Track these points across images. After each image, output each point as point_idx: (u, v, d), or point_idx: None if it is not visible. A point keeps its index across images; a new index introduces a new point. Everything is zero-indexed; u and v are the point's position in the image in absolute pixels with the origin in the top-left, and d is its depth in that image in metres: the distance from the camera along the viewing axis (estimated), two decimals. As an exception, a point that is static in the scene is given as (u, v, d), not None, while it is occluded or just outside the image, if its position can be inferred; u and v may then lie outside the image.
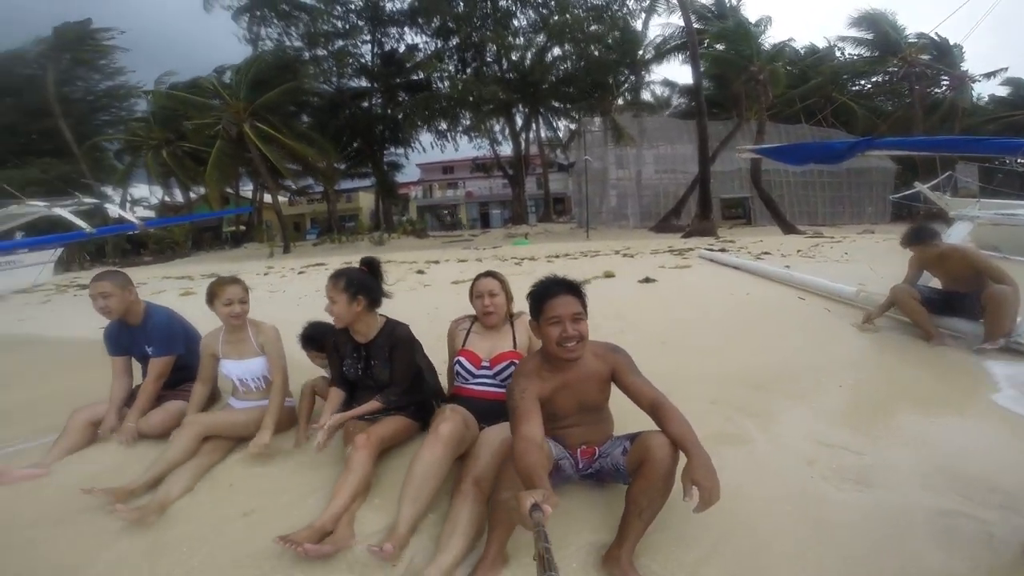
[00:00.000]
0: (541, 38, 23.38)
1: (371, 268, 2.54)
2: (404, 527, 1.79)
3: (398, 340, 2.45)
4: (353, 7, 22.64)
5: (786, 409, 2.48)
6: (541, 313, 1.77)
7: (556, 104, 25.83)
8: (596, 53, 22.87)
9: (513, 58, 23.61)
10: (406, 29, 23.90)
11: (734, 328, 4.01)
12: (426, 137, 25.92)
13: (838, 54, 25.30)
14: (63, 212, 10.60)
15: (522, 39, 23.45)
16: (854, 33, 24.07)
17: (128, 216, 12.47)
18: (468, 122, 24.74)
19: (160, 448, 2.51)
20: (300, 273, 10.75)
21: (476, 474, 1.86)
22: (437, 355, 2.73)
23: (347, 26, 22.60)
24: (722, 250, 9.37)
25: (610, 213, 24.30)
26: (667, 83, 26.47)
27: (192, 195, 24.47)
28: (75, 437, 2.80)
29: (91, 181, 20.49)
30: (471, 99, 21.58)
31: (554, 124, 27.47)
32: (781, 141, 19.77)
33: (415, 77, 23.51)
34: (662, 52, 22.82)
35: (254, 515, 2.08)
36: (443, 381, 2.76)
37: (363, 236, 23.54)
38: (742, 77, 18.08)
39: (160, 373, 2.92)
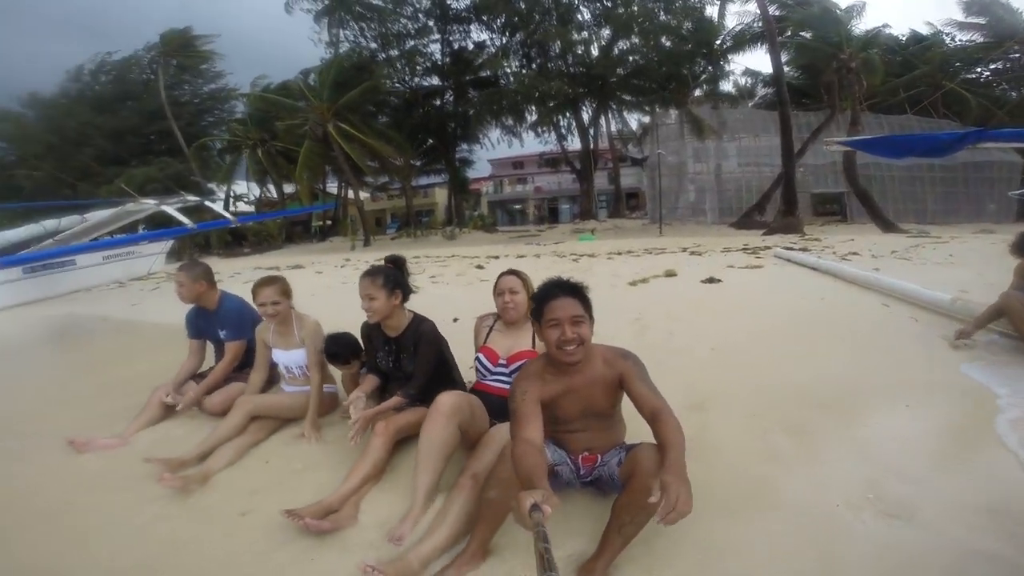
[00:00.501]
0: (606, 32, 22.75)
1: (397, 265, 2.62)
2: (419, 497, 1.91)
3: (422, 336, 2.51)
4: (421, 7, 23.35)
5: (835, 430, 2.20)
6: (542, 315, 1.73)
7: (626, 97, 25.01)
8: (668, 44, 21.85)
9: (578, 52, 23.17)
10: (472, 27, 24.25)
11: (798, 336, 3.64)
12: (495, 133, 26.30)
13: (947, 40, 22.40)
14: (169, 209, 12.01)
15: (586, 33, 22.95)
16: (963, 19, 21.30)
17: (224, 213, 13.83)
18: (534, 117, 24.69)
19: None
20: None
21: (476, 469, 1.88)
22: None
23: (416, 26, 23.31)
24: (803, 249, 8.61)
25: (687, 208, 23.20)
26: (749, 73, 24.75)
27: (285, 191, 26.59)
28: (152, 412, 3.14)
29: (199, 179, 22.96)
30: (536, 95, 21.46)
31: (625, 117, 26.68)
32: (882, 132, 17.81)
33: (484, 74, 23.79)
34: (741, 41, 21.38)
35: (280, 490, 2.22)
36: (472, 376, 2.78)
37: (436, 231, 24.34)
38: (832, 65, 16.84)
39: (233, 356, 3.22)
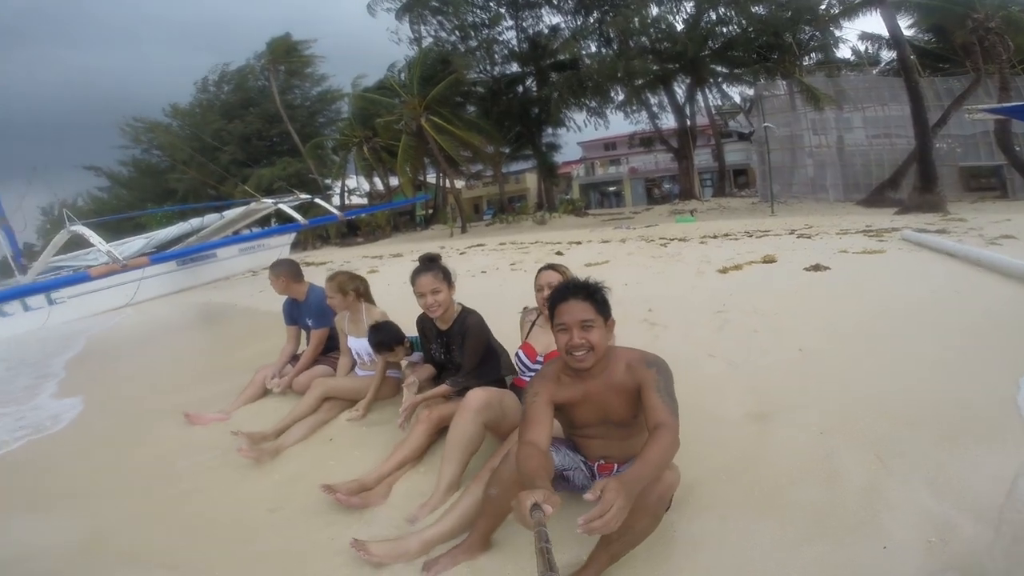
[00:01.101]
0: (689, 5, 20.84)
1: (433, 260, 2.70)
2: (441, 486, 2.01)
3: (468, 328, 2.56)
4: None
5: (917, 455, 1.80)
6: (553, 319, 1.67)
7: (723, 70, 22.85)
8: (761, 12, 19.51)
9: (660, 28, 21.54)
10: (544, 10, 23.56)
11: (911, 338, 3.06)
12: (580, 116, 25.54)
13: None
14: (285, 207, 13.47)
15: (662, 8, 21.20)
16: None
17: (331, 209, 15.20)
18: (621, 98, 23.53)
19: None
20: (461, 254, 11.74)
21: (495, 463, 1.88)
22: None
23: (489, 15, 23.16)
24: (940, 231, 7.28)
25: (805, 185, 20.77)
26: (867, 37, 21.20)
27: (391, 184, 28.43)
28: (253, 390, 3.60)
29: (316, 176, 25.42)
30: (619, 74, 20.37)
31: (725, 91, 24.42)
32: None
33: (562, 58, 23.14)
34: (850, 6, 18.41)
35: (335, 466, 2.43)
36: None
37: (527, 216, 24.53)
38: (967, 26, 14.44)
39: (317, 343, 3.60)
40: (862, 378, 2.54)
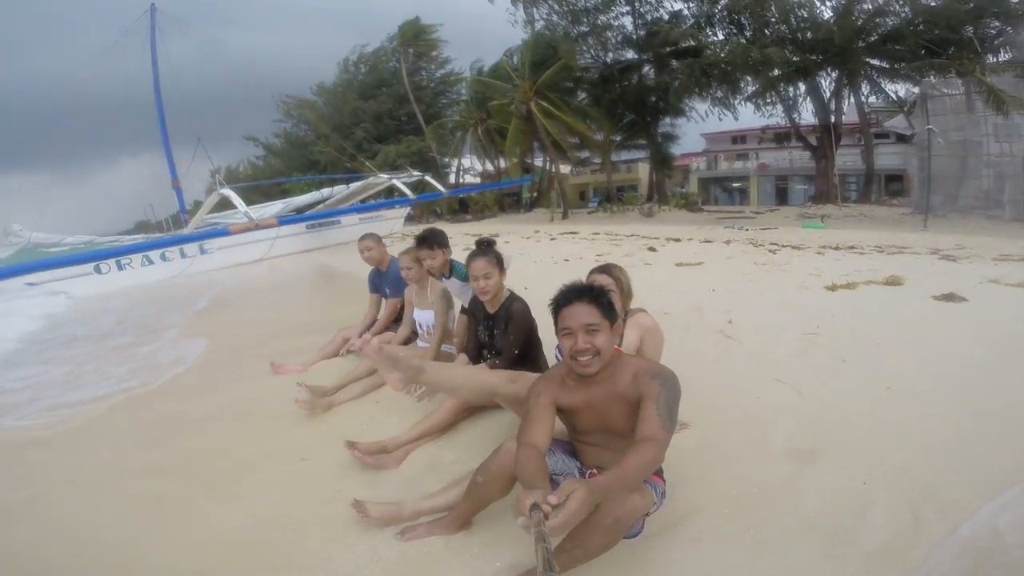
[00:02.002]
0: None
1: (490, 244, 2.76)
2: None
3: (513, 314, 2.61)
4: None
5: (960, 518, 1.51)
6: (556, 323, 1.64)
7: (880, 64, 19.57)
8: (933, 3, 16.17)
9: (801, 16, 18.87)
10: None
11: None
12: (703, 106, 23.56)
13: None
14: (398, 183, 14.50)
15: None
16: None
17: (438, 186, 16.05)
18: (752, 88, 21.26)
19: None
20: (552, 240, 11.75)
21: None
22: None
23: (601, 1, 22.00)
24: None
25: (976, 198, 17.29)
26: None
27: (502, 166, 29.15)
28: (332, 348, 4.02)
29: (435, 154, 26.83)
30: (751, 63, 18.34)
31: (882, 87, 20.91)
32: None
33: (685, 45, 21.40)
34: None
35: (374, 425, 2.65)
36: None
37: (634, 207, 23.66)
38: None
39: (391, 311, 3.94)
40: (948, 432, 2.14)
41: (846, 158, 26.75)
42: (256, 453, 2.52)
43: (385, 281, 4.05)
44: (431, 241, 3.15)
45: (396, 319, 3.89)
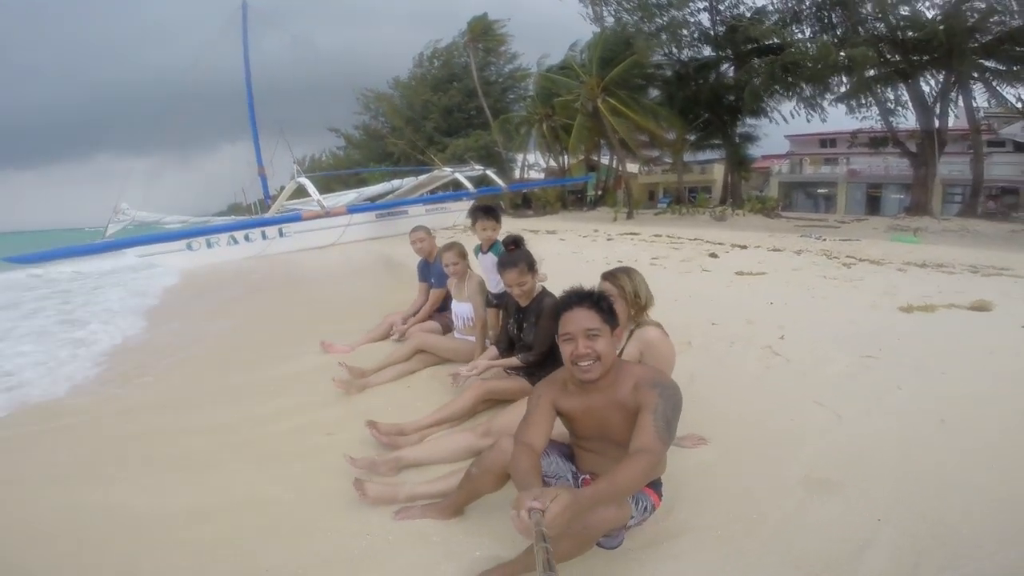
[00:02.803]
0: None
1: (517, 244, 2.81)
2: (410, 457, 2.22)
3: (543, 309, 2.66)
4: None
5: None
6: (558, 328, 1.64)
7: (996, 67, 17.24)
8: None
9: (901, 14, 16.88)
10: None
11: None
12: (787, 106, 21.85)
13: None
14: (460, 177, 14.87)
15: None
16: None
17: (498, 181, 16.26)
18: (844, 88, 19.46)
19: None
20: (608, 240, 11.56)
21: (491, 424, 2.10)
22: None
23: None
24: None
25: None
26: None
27: (567, 162, 28.91)
28: (378, 332, 4.27)
29: (501, 149, 27.10)
30: (843, 62, 16.75)
31: (998, 91, 18.43)
32: None
33: (769, 43, 19.90)
34: None
35: (402, 409, 2.79)
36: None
37: (705, 209, 22.68)
38: None
39: (434, 300, 4.12)
40: (991, 479, 1.93)
41: (952, 167, 24.00)
42: (288, 425, 2.74)
43: (432, 271, 4.22)
44: (495, 213, 3.39)
45: (440, 308, 4.05)
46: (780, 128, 24.77)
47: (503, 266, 2.69)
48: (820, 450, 2.20)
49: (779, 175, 31.99)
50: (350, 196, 17.72)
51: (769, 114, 22.85)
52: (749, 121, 24.22)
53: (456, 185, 17.79)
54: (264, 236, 13.42)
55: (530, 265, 2.69)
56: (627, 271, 2.31)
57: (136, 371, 4.17)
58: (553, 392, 1.69)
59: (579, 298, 1.63)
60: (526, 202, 27.81)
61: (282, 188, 17.10)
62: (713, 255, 8.26)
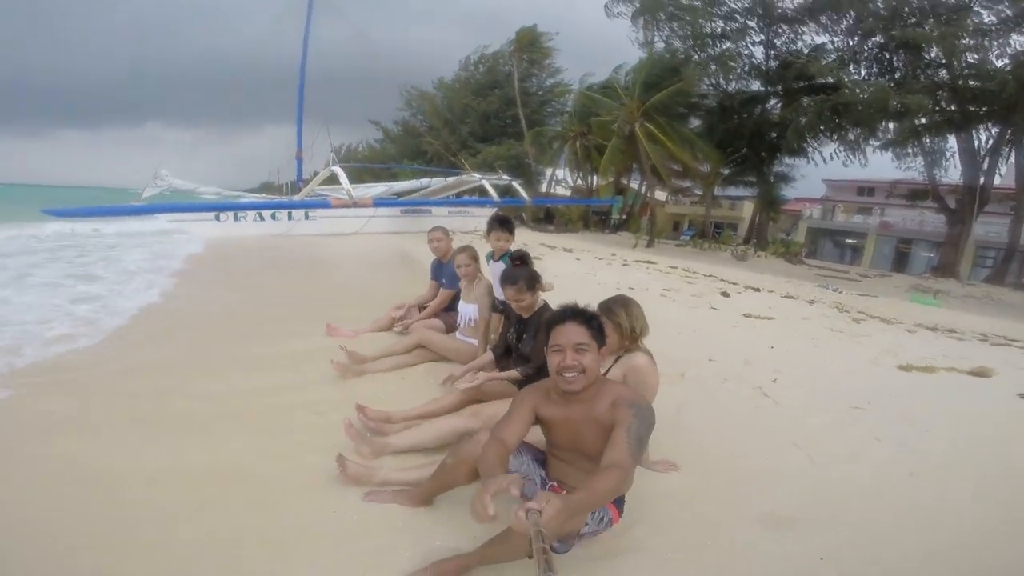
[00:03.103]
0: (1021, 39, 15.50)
1: (523, 260, 2.93)
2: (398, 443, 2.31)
3: (543, 323, 2.75)
4: (739, 6, 20.55)
5: None
6: (547, 340, 1.73)
7: None
8: None
9: (968, 61, 16.62)
10: (806, 28, 20.13)
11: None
12: (829, 148, 21.58)
13: None
14: (486, 184, 15.14)
15: (983, 40, 16.16)
16: None
17: (523, 194, 16.48)
18: (891, 136, 19.16)
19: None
20: (624, 265, 11.61)
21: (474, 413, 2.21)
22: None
23: (731, 27, 20.80)
24: None
25: None
26: None
27: (596, 182, 28.98)
28: (383, 322, 4.44)
29: (531, 161, 27.34)
30: (897, 108, 16.52)
31: None
32: None
33: (822, 81, 19.74)
34: None
35: (391, 398, 2.92)
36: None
37: (727, 247, 22.54)
38: None
39: (442, 300, 4.26)
40: (940, 540, 1.97)
41: (989, 228, 23.45)
42: (281, 400, 2.89)
43: (444, 271, 4.37)
44: (510, 225, 3.60)
45: (447, 308, 4.19)
46: (818, 170, 24.53)
47: (505, 280, 2.80)
48: (787, 490, 2.26)
49: (809, 219, 31.61)
50: (379, 189, 18.14)
51: (809, 155, 22.64)
52: (787, 160, 24.01)
53: (482, 192, 18.06)
54: (290, 217, 13.84)
55: (529, 283, 2.78)
56: (625, 303, 2.33)
57: (142, 333, 4.40)
58: (536, 398, 1.78)
59: (572, 313, 1.72)
60: (548, 217, 27.92)
61: (315, 173, 17.58)
62: (725, 294, 8.27)
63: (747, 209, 30.70)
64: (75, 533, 1.74)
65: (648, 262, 12.78)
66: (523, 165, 27.18)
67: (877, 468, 2.55)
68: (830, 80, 19.16)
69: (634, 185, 29.11)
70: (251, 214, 13.59)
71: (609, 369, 2.28)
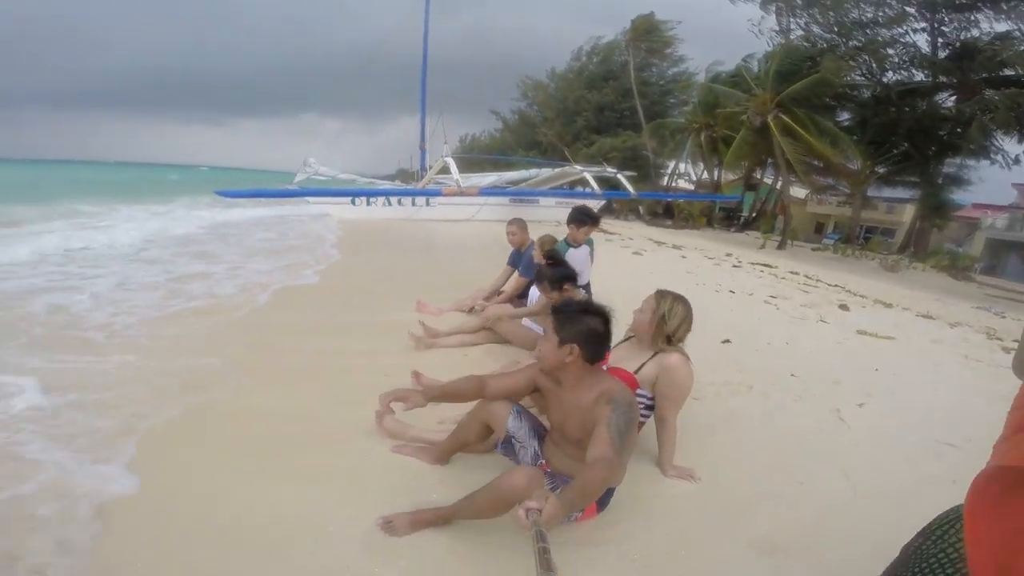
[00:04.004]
0: None
1: (555, 257, 3.10)
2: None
3: None
4: None
5: None
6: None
7: None
8: None
9: None
10: (981, 15, 16.16)
11: None
12: (1017, 148, 17.61)
13: None
14: (588, 176, 15.07)
15: None
16: None
17: (629, 187, 16.05)
18: None
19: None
20: (735, 267, 10.88)
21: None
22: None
23: (888, 13, 17.38)
24: None
25: None
26: None
27: (724, 177, 26.91)
28: (466, 303, 4.90)
29: (649, 153, 26.24)
30: None
31: None
32: None
33: (1010, 72, 15.85)
34: None
35: (447, 370, 3.28)
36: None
37: (875, 255, 19.69)
38: None
39: (516, 287, 4.61)
40: None
41: None
42: (360, 362, 3.44)
43: (521, 260, 4.69)
44: (588, 220, 3.94)
45: (522, 295, 4.50)
46: (1006, 174, 20.18)
47: (539, 279, 3.04)
48: (800, 516, 2.18)
49: (990, 229, 26.17)
50: (491, 178, 19.04)
51: (992, 155, 18.78)
52: (961, 160, 20.15)
53: (584, 183, 17.97)
54: (413, 203, 15.34)
55: (552, 282, 3.01)
56: (678, 299, 2.39)
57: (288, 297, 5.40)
58: (537, 371, 1.99)
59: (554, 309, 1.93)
60: (668, 211, 26.65)
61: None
62: (843, 307, 7.42)
63: (908, 213, 26.32)
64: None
65: (766, 265, 11.78)
66: (640, 157, 26.25)
67: (934, 511, 2.31)
68: (1019, 71, 15.65)
69: (768, 181, 26.52)
70: (380, 200, 15.29)
71: (643, 365, 2.32)
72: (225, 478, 2.12)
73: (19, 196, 16.02)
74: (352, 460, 2.27)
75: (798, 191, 25.99)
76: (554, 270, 3.07)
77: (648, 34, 27.26)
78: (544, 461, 2.02)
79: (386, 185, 19.77)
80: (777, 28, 20.57)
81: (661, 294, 2.41)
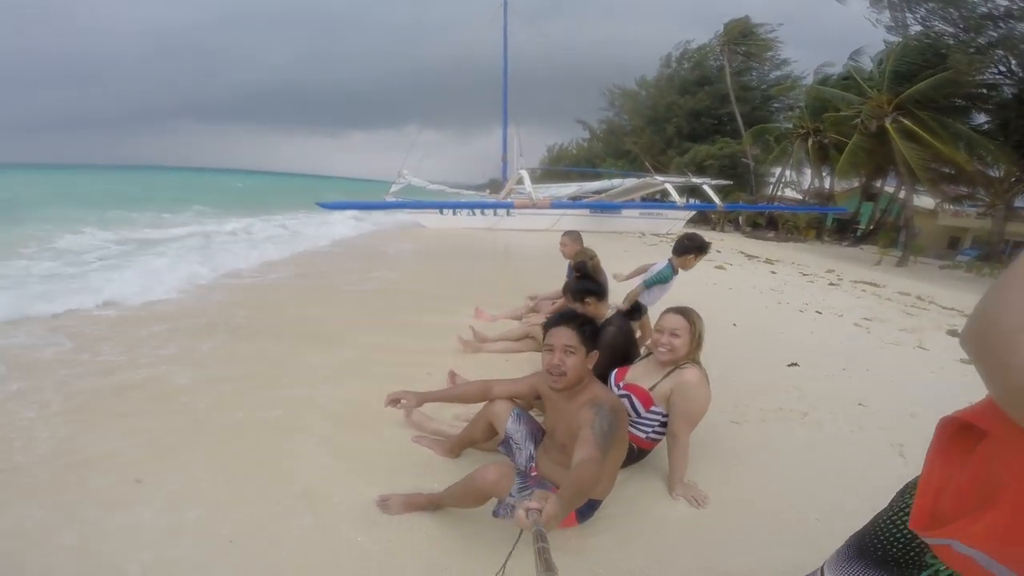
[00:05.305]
0: None
1: (582, 270, 3.22)
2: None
3: (604, 332, 3.04)
4: None
5: None
6: (544, 339, 1.99)
7: None
8: None
9: None
10: None
11: None
12: None
13: None
14: (670, 187, 14.59)
15: None
16: None
17: (715, 198, 15.22)
18: None
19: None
20: (831, 285, 9.95)
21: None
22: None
23: (1019, 6, 14.15)
24: None
25: None
26: None
27: (838, 186, 24.37)
28: (517, 311, 5.17)
29: (749, 160, 24.57)
30: None
31: None
32: None
33: None
34: None
35: (487, 372, 3.51)
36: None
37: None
38: None
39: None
40: None
41: None
42: (410, 359, 3.80)
43: (569, 271, 4.87)
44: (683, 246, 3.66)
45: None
46: None
47: (565, 289, 3.24)
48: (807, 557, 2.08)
49: None
50: (571, 189, 19.22)
51: None
52: None
53: (664, 195, 17.34)
54: (495, 214, 16.16)
55: (575, 294, 3.11)
56: (697, 313, 2.39)
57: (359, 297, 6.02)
58: (541, 378, 2.09)
59: (566, 318, 1.96)
60: (771, 223, 24.70)
61: (533, 170, 19.52)
62: (953, 332, 6.53)
63: (1073, 226, 21.88)
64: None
65: (872, 284, 10.61)
66: (739, 165, 24.73)
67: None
68: None
69: (889, 190, 23.62)
70: (466, 211, 16.26)
71: (659, 382, 2.34)
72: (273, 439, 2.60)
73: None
74: (376, 443, 2.61)
75: (926, 201, 22.83)
76: (576, 283, 3.20)
77: (744, 38, 25.77)
78: (533, 464, 2.13)
79: (472, 195, 20.76)
80: (892, 23, 18.23)
81: (686, 312, 2.37)
